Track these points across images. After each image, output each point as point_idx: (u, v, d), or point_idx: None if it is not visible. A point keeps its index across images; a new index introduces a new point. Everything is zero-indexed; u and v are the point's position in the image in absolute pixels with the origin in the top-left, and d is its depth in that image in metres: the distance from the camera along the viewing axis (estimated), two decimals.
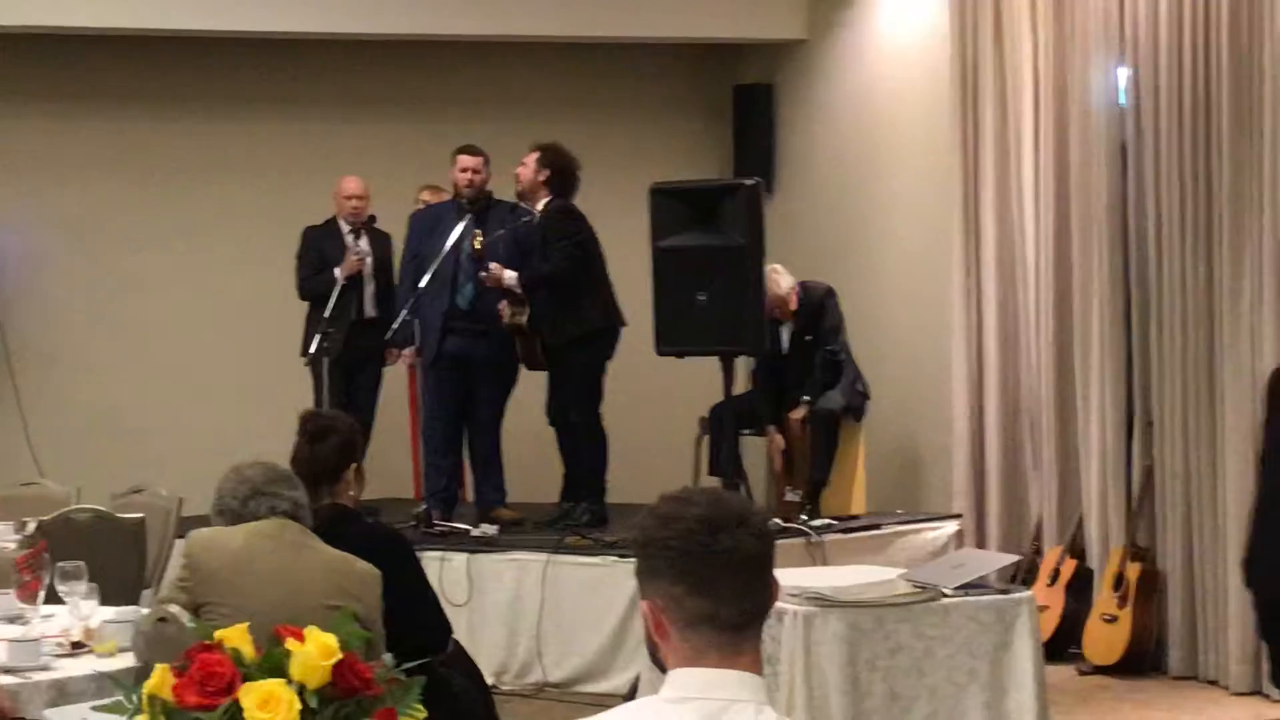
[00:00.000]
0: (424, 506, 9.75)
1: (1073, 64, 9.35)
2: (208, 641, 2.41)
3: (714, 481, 9.97)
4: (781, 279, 9.67)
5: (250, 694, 2.31)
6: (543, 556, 8.95)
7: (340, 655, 2.40)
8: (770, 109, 12.14)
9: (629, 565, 8.84)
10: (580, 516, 9.65)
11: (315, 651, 2.38)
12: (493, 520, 9.71)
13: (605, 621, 8.74)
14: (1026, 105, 9.68)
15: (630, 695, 8.49)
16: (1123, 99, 9.16)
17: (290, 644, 2.40)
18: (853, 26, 11.28)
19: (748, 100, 12.23)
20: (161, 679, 2.39)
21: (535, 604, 8.88)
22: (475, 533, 9.47)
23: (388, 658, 2.63)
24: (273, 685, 2.31)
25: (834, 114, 11.53)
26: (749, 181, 8.99)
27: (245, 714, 2.31)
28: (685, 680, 2.70)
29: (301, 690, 2.35)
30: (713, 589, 2.65)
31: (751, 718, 2.67)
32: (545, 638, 8.84)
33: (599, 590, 8.80)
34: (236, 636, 2.44)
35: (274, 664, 2.37)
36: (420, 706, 2.51)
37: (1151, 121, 8.84)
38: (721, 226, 8.80)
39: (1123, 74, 9.15)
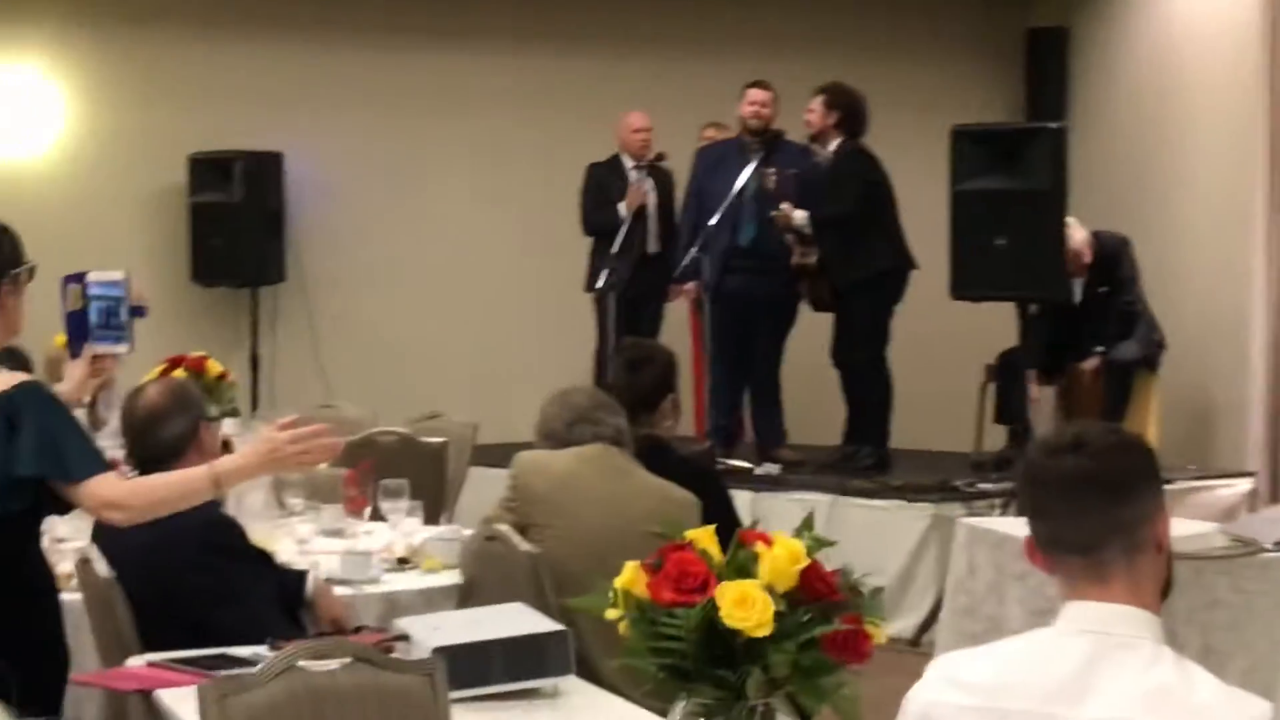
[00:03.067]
0: (707, 443, 9.77)
1: None
2: (679, 541, 2.42)
3: (999, 430, 9.88)
4: (1075, 232, 9.49)
5: (726, 593, 2.32)
6: (828, 497, 8.92)
7: (808, 560, 2.40)
8: (1064, 52, 11.92)
9: (915, 509, 8.79)
10: (863, 460, 9.61)
11: (784, 555, 2.38)
12: (774, 459, 9.69)
13: (890, 564, 8.68)
14: None
15: (915, 640, 8.44)
16: None
17: (759, 547, 2.40)
18: None
19: (1041, 43, 12.02)
20: (633, 575, 2.41)
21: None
22: (758, 471, 9.47)
23: (848, 565, 2.62)
24: (747, 585, 2.32)
25: (1132, 59, 11.28)
26: (1055, 125, 8.88)
27: (721, 612, 2.32)
28: (1081, 613, 2.71)
29: (770, 592, 2.35)
30: (1046, 510, 2.69)
31: (1148, 657, 2.64)
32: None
33: (884, 533, 8.75)
34: (705, 538, 2.45)
35: (742, 566, 2.38)
36: (882, 618, 2.50)
37: None
38: (1024, 170, 8.69)
39: None
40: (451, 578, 5.30)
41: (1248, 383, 9.75)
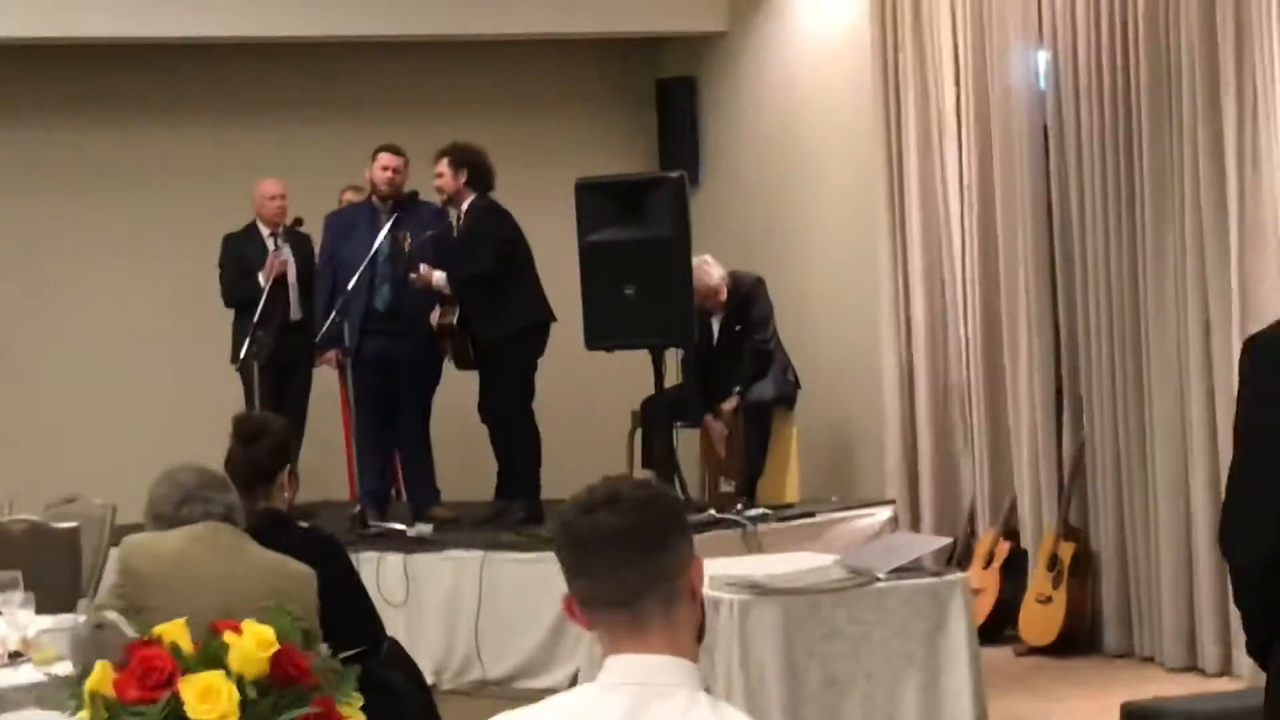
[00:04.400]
0: (359, 507, 9.74)
1: (992, 49, 9.42)
2: (147, 638, 2.41)
3: (647, 474, 10.00)
4: (713, 269, 9.72)
5: (190, 686, 2.32)
6: (479, 554, 8.94)
7: (277, 646, 2.41)
8: (693, 102, 12.17)
9: None
10: (516, 513, 9.65)
11: (253, 643, 2.40)
12: (428, 519, 9.69)
13: (543, 617, 8.72)
14: (948, 91, 9.74)
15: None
16: (1043, 83, 9.23)
17: (228, 636, 2.41)
18: (773, 18, 11.32)
19: (670, 93, 12.26)
20: (102, 675, 2.41)
21: (473, 602, 8.88)
22: (411, 533, 9.44)
23: (324, 648, 2.63)
24: (211, 677, 2.33)
25: (757, 105, 11.58)
26: (673, 175, 9.09)
27: (186, 706, 2.32)
28: (618, 666, 2.76)
29: (240, 681, 2.36)
30: (587, 567, 2.73)
31: (684, 703, 2.71)
32: (483, 635, 8.83)
33: (536, 586, 8.78)
34: (175, 631, 2.45)
35: (212, 656, 2.38)
36: (358, 695, 2.52)
37: (1072, 104, 8.90)
38: (648, 220, 8.85)
39: (1042, 58, 9.22)
40: (64, 669, 5.18)
41: (883, 414, 10.05)
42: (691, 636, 2.82)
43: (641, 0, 11.55)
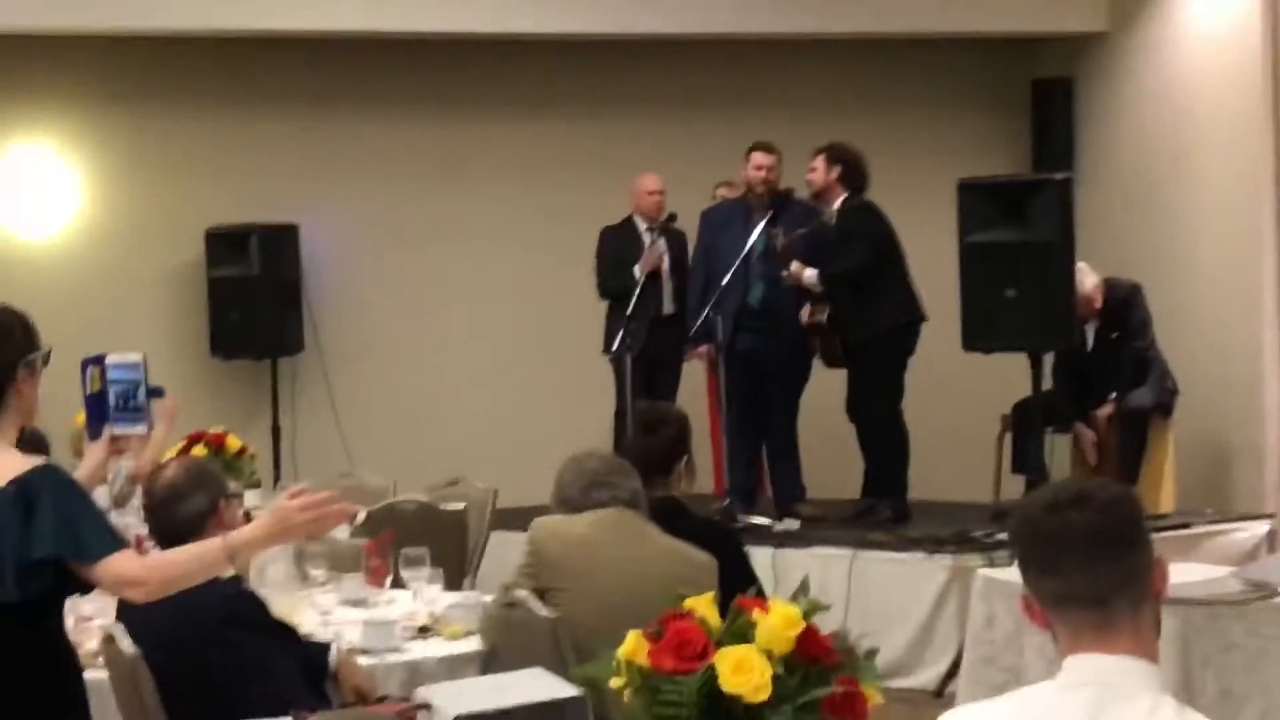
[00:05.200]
0: (726, 501, 9.82)
1: None
2: (678, 610, 2.48)
3: (1016, 480, 9.91)
4: (1085, 278, 9.57)
5: (725, 659, 2.38)
6: (848, 551, 8.96)
7: (804, 625, 2.46)
8: (1070, 103, 11.97)
9: (934, 561, 8.82)
10: (882, 513, 9.64)
11: (780, 621, 2.44)
12: (793, 515, 9.73)
13: (912, 616, 8.72)
14: None
15: (939, 691, 8.47)
16: None
17: (755, 614, 2.47)
18: (1157, 18, 11.11)
19: (1047, 94, 12.08)
20: (636, 645, 2.47)
21: (841, 599, 8.86)
22: (778, 528, 9.50)
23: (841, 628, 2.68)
24: (746, 651, 2.39)
25: (1137, 107, 11.36)
26: (1060, 176, 8.96)
27: (720, 678, 2.38)
28: (1079, 665, 2.74)
29: (769, 656, 2.41)
30: (1057, 566, 2.71)
31: (1148, 709, 2.68)
32: (852, 633, 8.82)
33: (905, 585, 8.79)
34: (704, 605, 2.51)
35: (740, 632, 2.44)
36: (874, 679, 2.56)
37: None
38: (1031, 222, 8.77)
39: None
40: (473, 644, 5.35)
41: (1263, 426, 9.80)
42: (1155, 638, 2.79)
43: (1020, 0, 11.42)
